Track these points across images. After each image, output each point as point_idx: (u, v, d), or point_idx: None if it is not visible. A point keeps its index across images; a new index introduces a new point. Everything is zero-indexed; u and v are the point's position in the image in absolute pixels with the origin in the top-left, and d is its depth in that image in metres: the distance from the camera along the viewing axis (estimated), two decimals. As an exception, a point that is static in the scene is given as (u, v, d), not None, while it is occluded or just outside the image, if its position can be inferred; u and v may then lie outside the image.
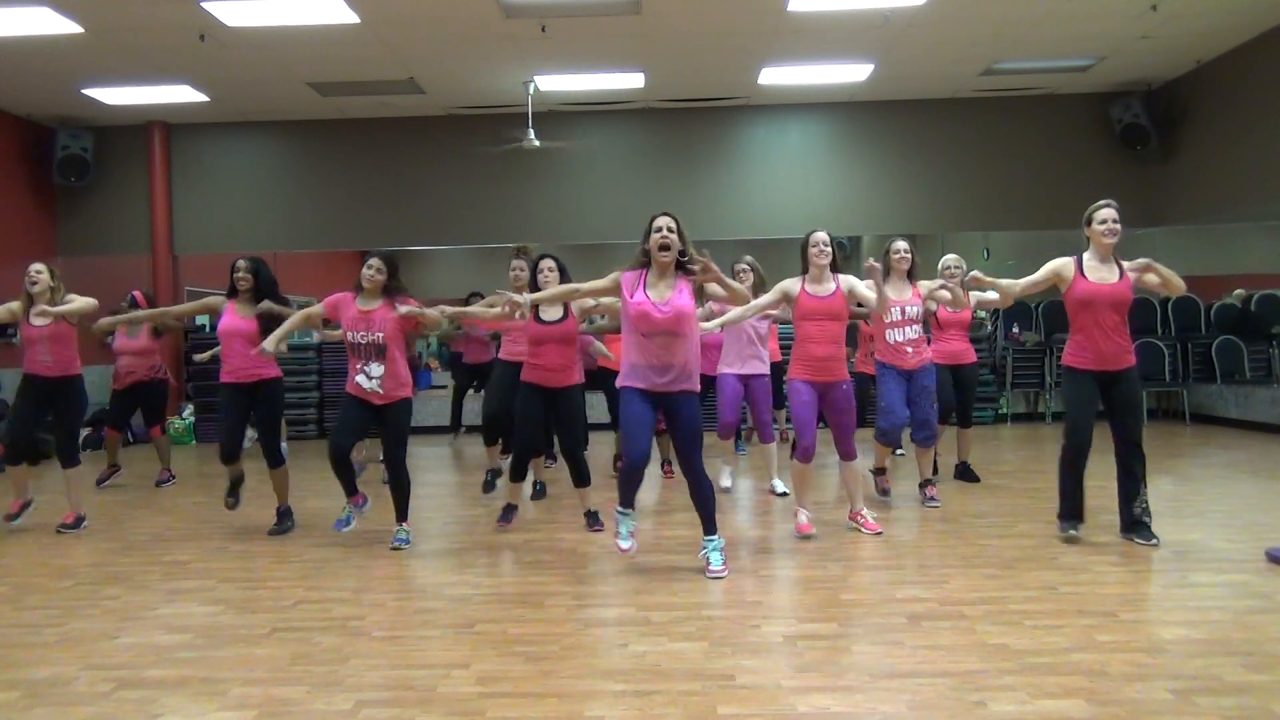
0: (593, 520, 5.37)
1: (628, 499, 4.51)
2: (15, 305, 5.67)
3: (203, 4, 7.36)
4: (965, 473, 6.74)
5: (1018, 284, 4.95)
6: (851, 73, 9.79)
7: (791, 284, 5.02)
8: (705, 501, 4.43)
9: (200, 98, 9.98)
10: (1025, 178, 10.77)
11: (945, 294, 5.55)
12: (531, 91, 9.76)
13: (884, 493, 6.10)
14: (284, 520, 5.62)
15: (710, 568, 4.36)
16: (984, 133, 10.85)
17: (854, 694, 2.97)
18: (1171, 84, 10.32)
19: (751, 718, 2.83)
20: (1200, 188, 10.06)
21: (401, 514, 5.12)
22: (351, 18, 7.76)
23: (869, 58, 9.32)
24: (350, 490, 5.14)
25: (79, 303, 5.68)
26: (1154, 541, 4.66)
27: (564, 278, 5.21)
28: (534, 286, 5.18)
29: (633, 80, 9.84)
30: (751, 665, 3.22)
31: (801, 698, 2.95)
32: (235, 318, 5.44)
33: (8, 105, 10.07)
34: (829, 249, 4.93)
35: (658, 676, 3.14)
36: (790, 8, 7.84)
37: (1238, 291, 11.35)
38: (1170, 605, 3.81)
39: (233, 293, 5.50)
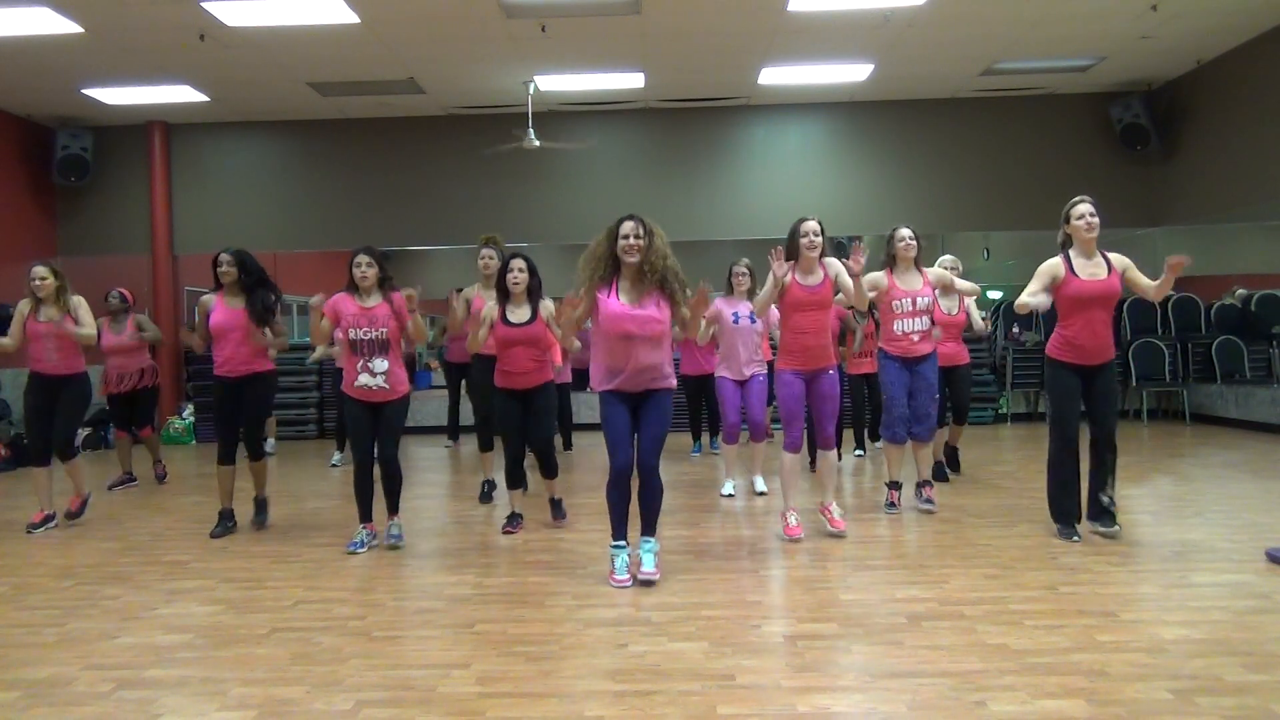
0: (556, 509, 5.41)
1: (617, 529, 4.35)
2: (24, 307, 5.69)
3: (203, 4, 7.36)
4: (950, 456, 6.86)
5: (1027, 302, 4.74)
6: (851, 73, 9.79)
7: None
8: (651, 502, 4.35)
9: (200, 98, 9.98)
10: (1025, 178, 10.76)
11: (964, 284, 6.20)
12: (531, 91, 9.76)
13: (891, 506, 5.67)
14: (261, 511, 5.64)
15: (642, 569, 4.27)
16: (984, 133, 10.85)
17: (854, 694, 2.97)
18: (1171, 84, 10.32)
19: (751, 718, 2.82)
20: (1200, 188, 10.05)
21: (393, 508, 5.10)
22: (351, 18, 7.76)
23: (869, 58, 9.32)
24: (365, 515, 5.08)
25: (88, 329, 5.76)
26: (1115, 529, 4.77)
27: (534, 278, 5.20)
28: (502, 281, 5.18)
29: (633, 80, 9.84)
30: (751, 665, 3.22)
31: (801, 698, 2.94)
32: (225, 311, 5.37)
33: (8, 105, 10.07)
34: (819, 239, 4.84)
35: (658, 676, 3.14)
36: (790, 8, 7.84)
37: (1240, 291, 11.34)
38: (1170, 605, 3.80)
39: (218, 287, 5.43)
